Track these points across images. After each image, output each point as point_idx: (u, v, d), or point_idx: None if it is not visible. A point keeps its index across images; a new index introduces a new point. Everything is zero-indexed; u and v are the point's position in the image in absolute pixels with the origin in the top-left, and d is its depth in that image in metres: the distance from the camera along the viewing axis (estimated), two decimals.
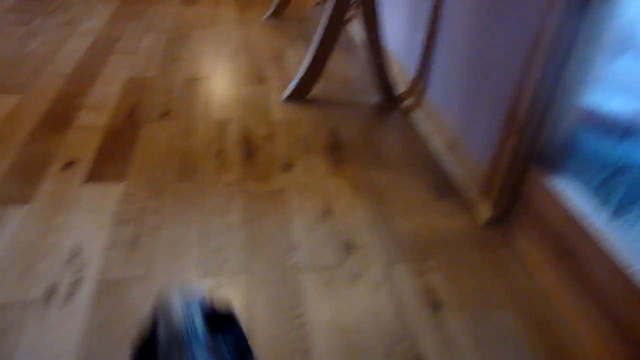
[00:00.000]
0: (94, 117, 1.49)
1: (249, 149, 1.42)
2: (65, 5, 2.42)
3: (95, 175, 1.24)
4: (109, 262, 0.99)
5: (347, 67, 2.02)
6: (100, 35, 2.10)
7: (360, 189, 1.28)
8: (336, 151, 1.44)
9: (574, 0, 0.92)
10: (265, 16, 2.52)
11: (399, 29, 1.88)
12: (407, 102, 1.74)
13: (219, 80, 1.80)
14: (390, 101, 1.77)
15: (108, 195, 1.18)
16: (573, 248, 0.98)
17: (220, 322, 0.58)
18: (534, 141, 1.09)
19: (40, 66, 1.79)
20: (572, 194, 1.01)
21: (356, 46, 2.23)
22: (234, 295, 0.94)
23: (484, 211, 1.21)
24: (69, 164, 1.28)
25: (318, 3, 2.80)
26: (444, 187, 1.33)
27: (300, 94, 1.73)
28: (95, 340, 0.84)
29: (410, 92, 1.75)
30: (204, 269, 1.00)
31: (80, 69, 1.79)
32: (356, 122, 1.61)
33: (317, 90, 1.80)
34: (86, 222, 1.09)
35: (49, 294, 0.91)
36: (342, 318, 0.92)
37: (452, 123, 1.44)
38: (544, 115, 1.06)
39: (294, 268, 1.02)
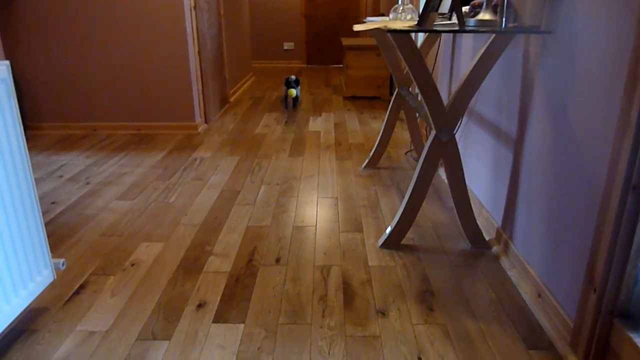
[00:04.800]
0: (220, 263, 1.79)
1: (348, 294, 1.60)
2: (198, 162, 2.94)
3: (221, 316, 1.49)
4: None
5: (438, 213, 2.21)
6: (225, 188, 2.52)
7: (451, 338, 1.39)
8: (428, 297, 1.58)
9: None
10: (362, 166, 2.85)
11: (484, 178, 2.07)
12: (496, 249, 1.86)
13: (322, 228, 2.06)
14: (479, 247, 1.90)
15: (231, 334, 1.40)
16: None
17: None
18: (615, 298, 1.16)
19: (178, 217, 2.19)
20: None
21: (446, 191, 2.44)
22: None
23: None
24: (200, 306, 1.54)
25: (407, 152, 3.11)
26: (533, 337, 1.39)
27: (394, 241, 1.92)
28: None
29: (497, 239, 1.88)
30: None
31: (209, 218, 2.16)
32: (447, 269, 1.75)
33: (409, 235, 1.99)
34: (214, 358, 1.30)
35: None
36: None
37: (538, 273, 1.53)
38: (622, 272, 1.14)
39: None
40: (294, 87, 4.37)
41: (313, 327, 1.44)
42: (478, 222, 1.91)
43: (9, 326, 1.44)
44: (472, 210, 1.86)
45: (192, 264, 1.79)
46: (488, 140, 2.02)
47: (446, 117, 1.71)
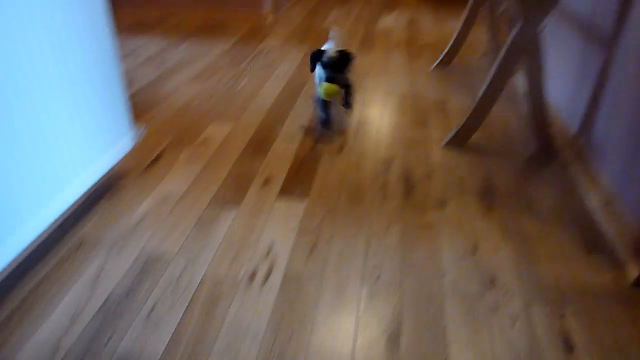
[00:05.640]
0: (286, 146, 1.85)
1: (409, 185, 1.62)
2: (266, 51, 2.93)
3: (286, 191, 1.57)
4: (292, 261, 1.28)
5: (508, 117, 2.13)
6: (292, 77, 2.52)
7: (508, 233, 1.40)
8: (489, 196, 1.58)
9: None
10: (433, 65, 2.74)
11: (563, 84, 1.95)
12: (566, 157, 1.80)
13: (387, 123, 2.06)
14: (548, 154, 1.84)
15: (294, 209, 1.48)
16: None
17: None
18: None
19: (247, 102, 2.24)
20: None
21: (519, 96, 2.33)
22: (384, 304, 1.15)
23: (633, 271, 1.24)
24: (266, 181, 1.62)
25: (485, 54, 2.94)
26: (594, 242, 1.37)
27: (460, 140, 1.89)
28: (278, 317, 1.11)
29: (569, 147, 1.81)
30: (363, 279, 1.22)
31: (276, 105, 2.20)
32: (511, 171, 1.72)
33: (476, 137, 1.95)
34: (278, 227, 1.40)
35: (251, 277, 1.22)
36: (477, 342, 1.06)
37: (609, 181, 1.48)
38: None
39: (440, 291, 1.19)
40: (332, 78, 1.85)
41: (372, 209, 1.49)
42: (551, 128, 1.83)
43: (93, 186, 1.59)
44: (546, 114, 1.77)
45: (259, 144, 1.86)
46: (575, 40, 1.87)
47: (536, 7, 1.58)
